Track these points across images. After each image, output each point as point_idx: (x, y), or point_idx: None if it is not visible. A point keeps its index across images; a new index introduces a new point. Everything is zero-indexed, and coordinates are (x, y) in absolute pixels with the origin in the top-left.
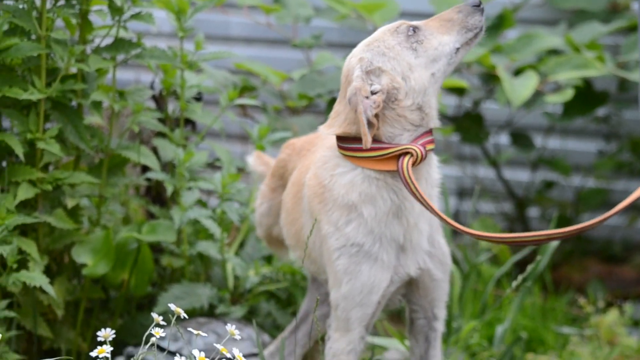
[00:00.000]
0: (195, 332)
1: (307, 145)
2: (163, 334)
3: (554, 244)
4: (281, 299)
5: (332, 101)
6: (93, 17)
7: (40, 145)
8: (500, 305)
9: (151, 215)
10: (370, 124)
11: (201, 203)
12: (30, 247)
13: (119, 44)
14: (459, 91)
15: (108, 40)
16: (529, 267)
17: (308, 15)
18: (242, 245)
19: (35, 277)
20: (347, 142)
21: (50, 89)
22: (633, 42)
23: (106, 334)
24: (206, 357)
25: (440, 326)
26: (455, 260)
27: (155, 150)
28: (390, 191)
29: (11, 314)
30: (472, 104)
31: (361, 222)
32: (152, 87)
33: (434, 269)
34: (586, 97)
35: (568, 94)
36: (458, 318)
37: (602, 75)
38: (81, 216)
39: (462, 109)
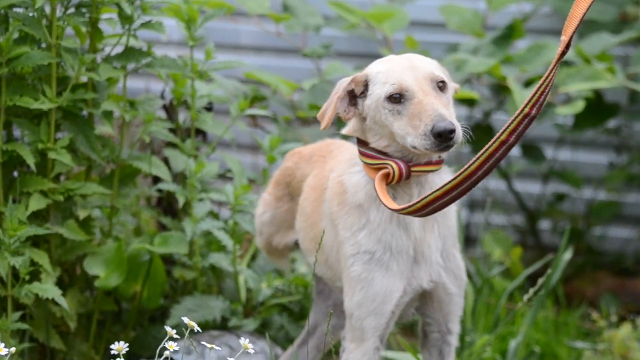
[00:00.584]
0: (209, 345)
1: (318, 152)
2: (176, 348)
3: (566, 257)
4: (294, 311)
5: None
6: (103, 26)
7: (52, 155)
8: (513, 319)
9: (163, 227)
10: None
11: (213, 214)
12: (42, 258)
13: (129, 53)
14: (469, 102)
15: (118, 49)
16: (540, 280)
17: (317, 25)
18: (254, 257)
19: (48, 289)
20: (361, 145)
21: (61, 98)
22: None
23: (119, 347)
24: None
25: (454, 340)
26: (467, 274)
27: (166, 161)
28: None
29: (24, 326)
30: (483, 115)
31: (372, 230)
32: (162, 96)
33: (448, 283)
34: (597, 108)
35: (579, 105)
36: (471, 332)
37: (612, 86)
38: (93, 227)
39: (473, 120)
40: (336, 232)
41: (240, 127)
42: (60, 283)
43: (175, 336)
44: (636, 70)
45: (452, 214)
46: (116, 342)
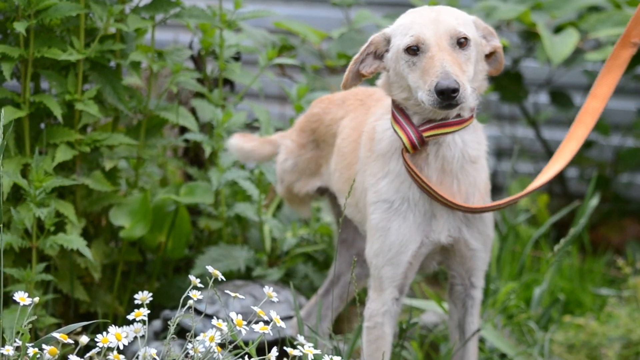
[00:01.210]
0: (232, 294)
1: (354, 96)
2: (200, 297)
3: (593, 204)
4: (318, 261)
5: None
6: None
7: (79, 106)
8: (538, 267)
9: (189, 177)
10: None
11: (239, 164)
12: (67, 209)
13: (157, 3)
14: None
15: (147, 0)
16: (571, 231)
17: None
18: (279, 207)
19: (73, 240)
20: (392, 105)
21: (89, 50)
22: None
23: (143, 296)
24: (243, 319)
25: (478, 294)
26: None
27: (193, 111)
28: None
29: (48, 277)
30: (512, 62)
31: (392, 180)
32: (190, 47)
33: (470, 239)
34: None
35: (608, 51)
36: (496, 280)
37: None
38: (119, 178)
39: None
40: (364, 177)
41: (269, 77)
42: (85, 234)
43: (200, 286)
44: None
45: (476, 171)
46: (140, 292)
